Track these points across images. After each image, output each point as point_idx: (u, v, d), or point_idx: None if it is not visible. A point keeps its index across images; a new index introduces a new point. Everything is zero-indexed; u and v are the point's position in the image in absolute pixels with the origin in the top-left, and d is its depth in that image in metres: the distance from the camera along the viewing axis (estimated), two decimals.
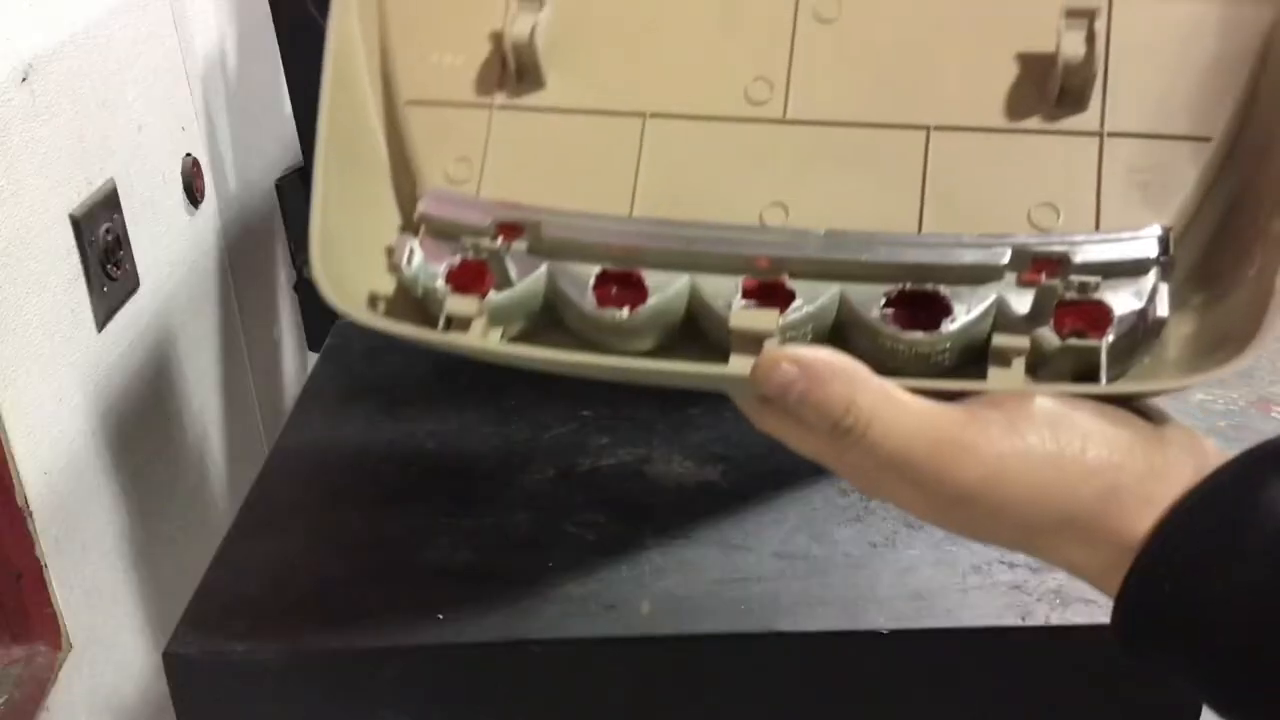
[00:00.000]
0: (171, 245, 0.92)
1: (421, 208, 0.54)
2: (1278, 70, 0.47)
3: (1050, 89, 0.50)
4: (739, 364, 0.45)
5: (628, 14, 0.55)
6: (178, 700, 0.65)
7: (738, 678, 0.65)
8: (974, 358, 0.47)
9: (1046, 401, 0.40)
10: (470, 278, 0.51)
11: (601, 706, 0.66)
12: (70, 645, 0.75)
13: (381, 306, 0.53)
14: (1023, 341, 0.45)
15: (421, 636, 0.64)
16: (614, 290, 0.51)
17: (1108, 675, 0.64)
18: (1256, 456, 0.38)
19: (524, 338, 0.53)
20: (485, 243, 0.51)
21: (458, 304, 0.50)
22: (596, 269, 0.50)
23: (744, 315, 0.46)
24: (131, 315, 0.85)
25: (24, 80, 0.71)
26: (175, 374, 0.93)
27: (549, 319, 0.53)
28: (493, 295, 0.51)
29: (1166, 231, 0.47)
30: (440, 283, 0.51)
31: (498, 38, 0.55)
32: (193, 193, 0.95)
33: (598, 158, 0.54)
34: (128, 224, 0.84)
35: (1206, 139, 0.48)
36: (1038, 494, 0.39)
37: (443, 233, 0.53)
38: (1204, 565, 0.37)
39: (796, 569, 0.67)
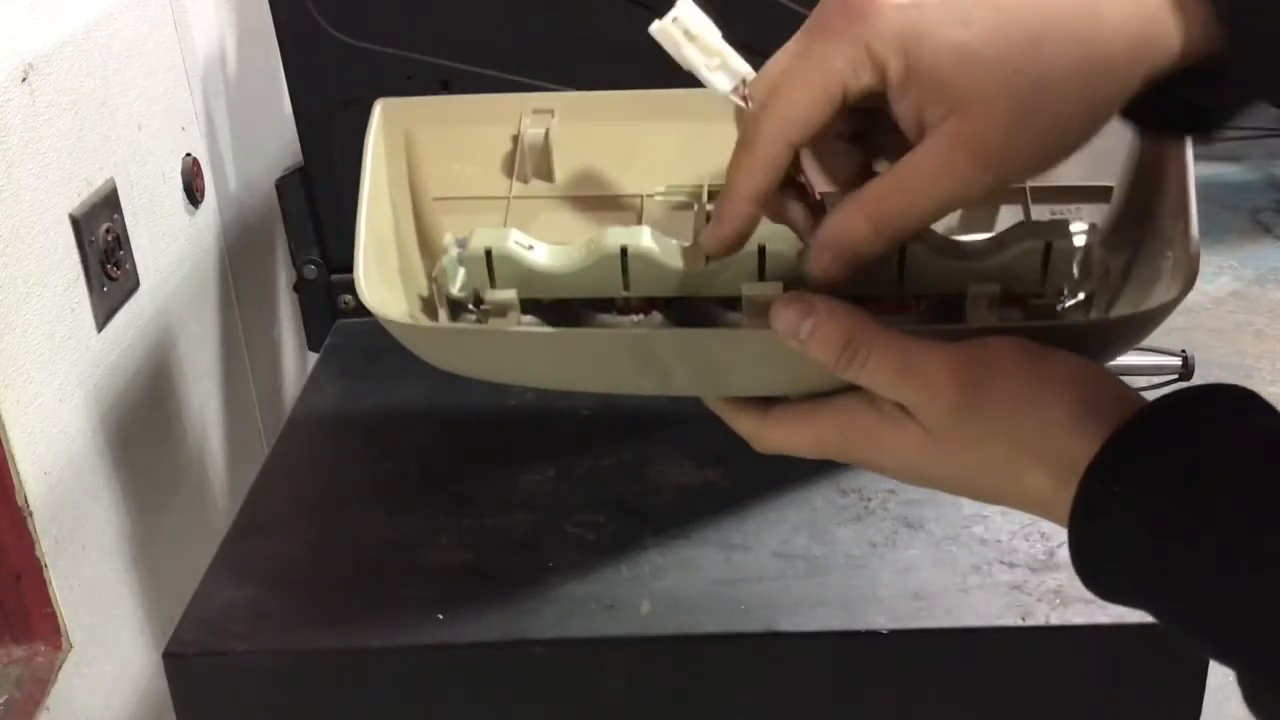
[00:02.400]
0: (171, 245, 0.92)
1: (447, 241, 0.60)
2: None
3: None
4: (752, 324, 0.51)
5: (619, 122, 0.65)
6: (178, 700, 0.65)
7: (738, 678, 0.65)
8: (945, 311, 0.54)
9: (1020, 338, 0.45)
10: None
11: (601, 706, 0.66)
12: (70, 645, 0.75)
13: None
14: (993, 288, 0.52)
15: (421, 636, 0.64)
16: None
17: (1108, 675, 0.64)
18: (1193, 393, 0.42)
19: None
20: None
21: (497, 294, 0.55)
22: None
23: (754, 287, 0.52)
24: (131, 315, 0.85)
25: (24, 80, 0.71)
26: (175, 374, 0.93)
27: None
28: (535, 258, 0.55)
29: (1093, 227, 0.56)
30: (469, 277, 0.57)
31: (514, 140, 0.65)
32: (193, 193, 0.95)
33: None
34: (128, 224, 0.84)
35: (1108, 186, 0.59)
36: (1020, 399, 0.43)
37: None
38: (1155, 471, 0.40)
39: (796, 569, 0.67)
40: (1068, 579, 0.65)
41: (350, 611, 0.66)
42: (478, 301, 0.57)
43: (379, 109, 0.65)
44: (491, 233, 0.55)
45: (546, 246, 0.56)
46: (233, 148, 1.05)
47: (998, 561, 0.67)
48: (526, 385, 0.57)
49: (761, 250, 0.53)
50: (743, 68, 0.51)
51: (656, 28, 0.51)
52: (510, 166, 0.65)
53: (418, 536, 0.71)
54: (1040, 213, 0.60)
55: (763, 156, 0.45)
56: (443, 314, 0.59)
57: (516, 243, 0.55)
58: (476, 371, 0.59)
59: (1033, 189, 0.60)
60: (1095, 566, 0.42)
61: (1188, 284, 0.50)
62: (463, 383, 0.87)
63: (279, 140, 1.11)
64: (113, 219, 0.81)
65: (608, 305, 0.57)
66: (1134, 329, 0.51)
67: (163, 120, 0.91)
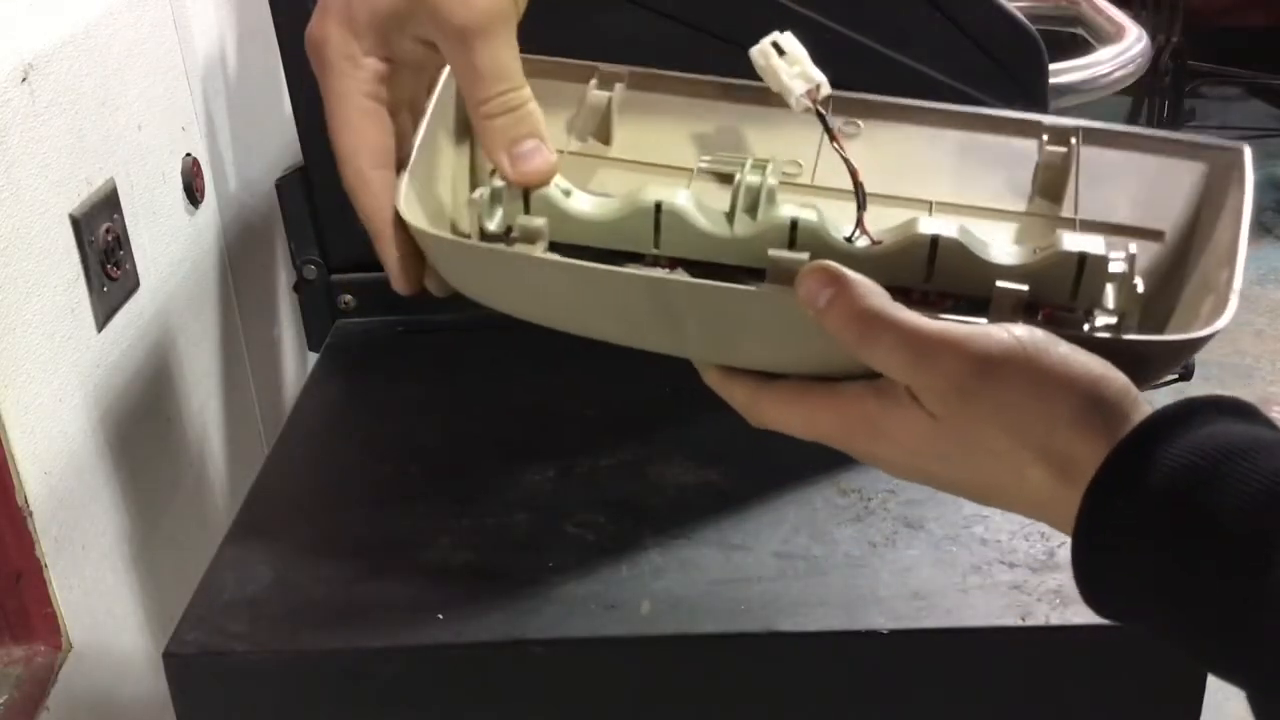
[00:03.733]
0: (171, 245, 0.92)
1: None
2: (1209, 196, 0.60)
3: (1031, 187, 0.61)
4: (772, 288, 0.52)
5: (683, 101, 0.66)
6: (178, 700, 0.65)
7: (738, 678, 0.65)
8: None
9: (1037, 330, 0.45)
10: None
11: (601, 706, 0.66)
12: (70, 645, 0.75)
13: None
14: (1022, 288, 0.51)
15: (421, 636, 0.64)
16: None
17: (1108, 675, 0.64)
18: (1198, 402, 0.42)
19: None
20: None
21: (528, 220, 0.56)
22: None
23: (780, 252, 0.53)
24: (131, 315, 0.85)
25: (24, 80, 0.71)
26: (175, 374, 0.93)
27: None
28: (571, 203, 0.56)
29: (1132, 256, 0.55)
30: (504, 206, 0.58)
31: (579, 102, 0.65)
32: (193, 193, 0.95)
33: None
34: (128, 224, 0.84)
35: (1161, 231, 0.60)
36: (1031, 390, 0.43)
37: None
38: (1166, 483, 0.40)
39: (796, 569, 0.67)
40: (1068, 579, 0.64)
41: (350, 611, 0.66)
42: (510, 235, 0.57)
43: None
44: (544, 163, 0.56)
45: (585, 195, 0.57)
46: (233, 148, 1.05)
47: (998, 561, 0.67)
48: (543, 323, 0.57)
49: (794, 224, 0.54)
50: (819, 76, 0.56)
51: (755, 50, 0.57)
52: (570, 125, 0.66)
53: (418, 536, 0.71)
54: None
55: None
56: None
57: (556, 185, 0.56)
58: (496, 300, 0.58)
59: (1083, 221, 0.60)
60: (1097, 585, 0.42)
61: (1221, 323, 0.50)
62: (463, 382, 0.88)
63: (279, 140, 1.11)
64: (113, 219, 0.81)
65: (637, 260, 0.58)
66: (1157, 357, 0.50)
67: (163, 120, 0.91)
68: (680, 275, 0.57)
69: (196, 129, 0.97)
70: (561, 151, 0.64)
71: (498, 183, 0.58)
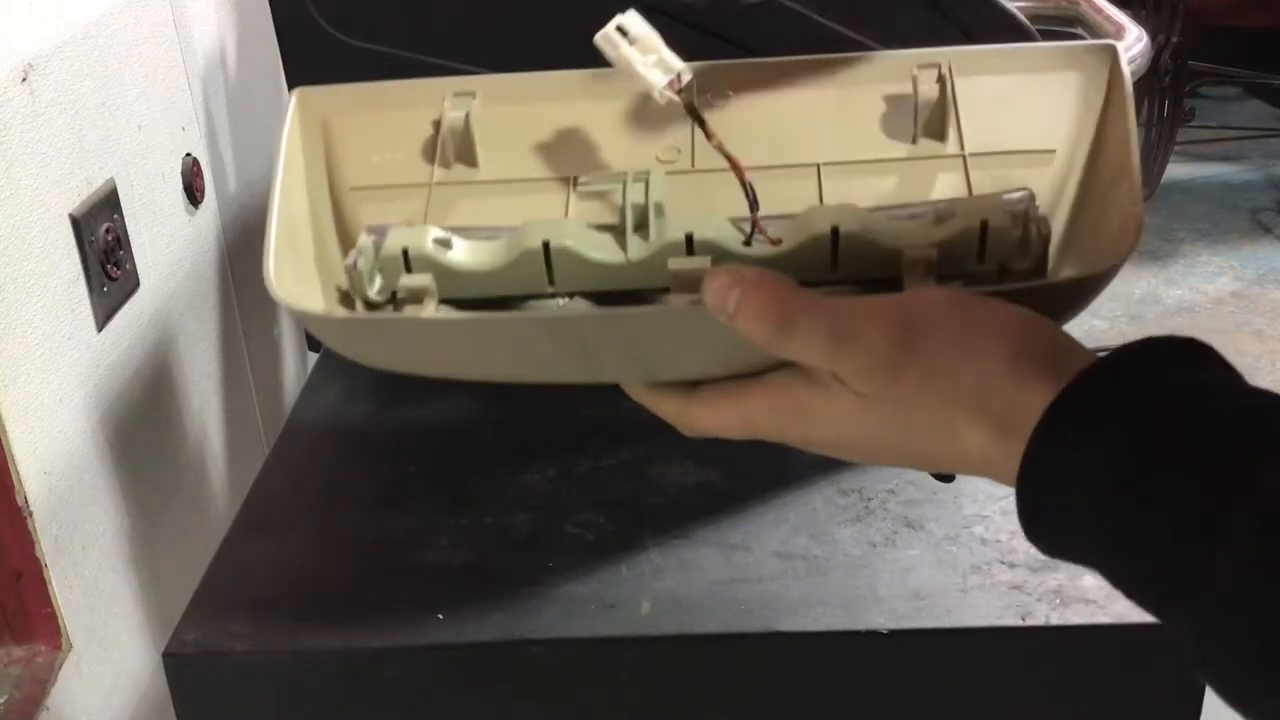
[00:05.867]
0: (171, 245, 0.92)
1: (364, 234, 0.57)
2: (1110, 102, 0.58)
3: (913, 129, 0.60)
4: (679, 300, 0.51)
5: (546, 104, 0.62)
6: (178, 700, 0.65)
7: (738, 678, 0.65)
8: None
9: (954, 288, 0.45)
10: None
11: (601, 706, 0.66)
12: (70, 645, 0.75)
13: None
14: (930, 251, 0.51)
15: (421, 636, 0.64)
16: None
17: (1108, 675, 0.64)
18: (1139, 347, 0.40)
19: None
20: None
21: (411, 280, 0.53)
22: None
23: (681, 261, 0.52)
24: (131, 315, 0.85)
25: (24, 80, 0.71)
26: (175, 374, 0.93)
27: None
28: (452, 256, 0.54)
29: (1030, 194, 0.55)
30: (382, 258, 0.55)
31: (435, 125, 0.61)
32: (193, 193, 0.95)
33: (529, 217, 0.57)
34: (128, 224, 0.84)
35: (1050, 150, 0.58)
36: (956, 349, 0.42)
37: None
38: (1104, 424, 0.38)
39: (796, 569, 0.67)
40: (1068, 579, 0.65)
41: (350, 611, 0.66)
42: (395, 299, 0.55)
43: (295, 98, 0.63)
44: (407, 232, 0.54)
45: (465, 243, 0.54)
46: (233, 148, 1.05)
47: (998, 561, 0.67)
48: (452, 378, 0.55)
49: (689, 239, 0.53)
50: (678, 64, 0.52)
51: (600, 36, 0.53)
52: (432, 152, 0.62)
53: (418, 536, 0.71)
54: (980, 179, 0.59)
55: None
56: (360, 308, 0.56)
57: (435, 240, 0.53)
58: (398, 365, 0.55)
59: (971, 156, 0.59)
60: (1043, 526, 0.40)
61: (1130, 246, 0.49)
62: (463, 383, 0.88)
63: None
64: (113, 219, 0.81)
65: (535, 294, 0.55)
66: (1077, 293, 0.50)
67: (163, 120, 0.91)
68: (580, 305, 0.55)
69: (196, 129, 0.97)
70: (426, 184, 0.61)
71: (369, 240, 0.55)
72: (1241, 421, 0.37)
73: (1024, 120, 0.59)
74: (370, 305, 0.56)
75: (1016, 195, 0.54)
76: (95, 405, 0.80)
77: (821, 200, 0.58)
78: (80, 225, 0.77)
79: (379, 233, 0.55)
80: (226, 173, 1.04)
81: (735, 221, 0.55)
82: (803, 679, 0.65)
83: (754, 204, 0.54)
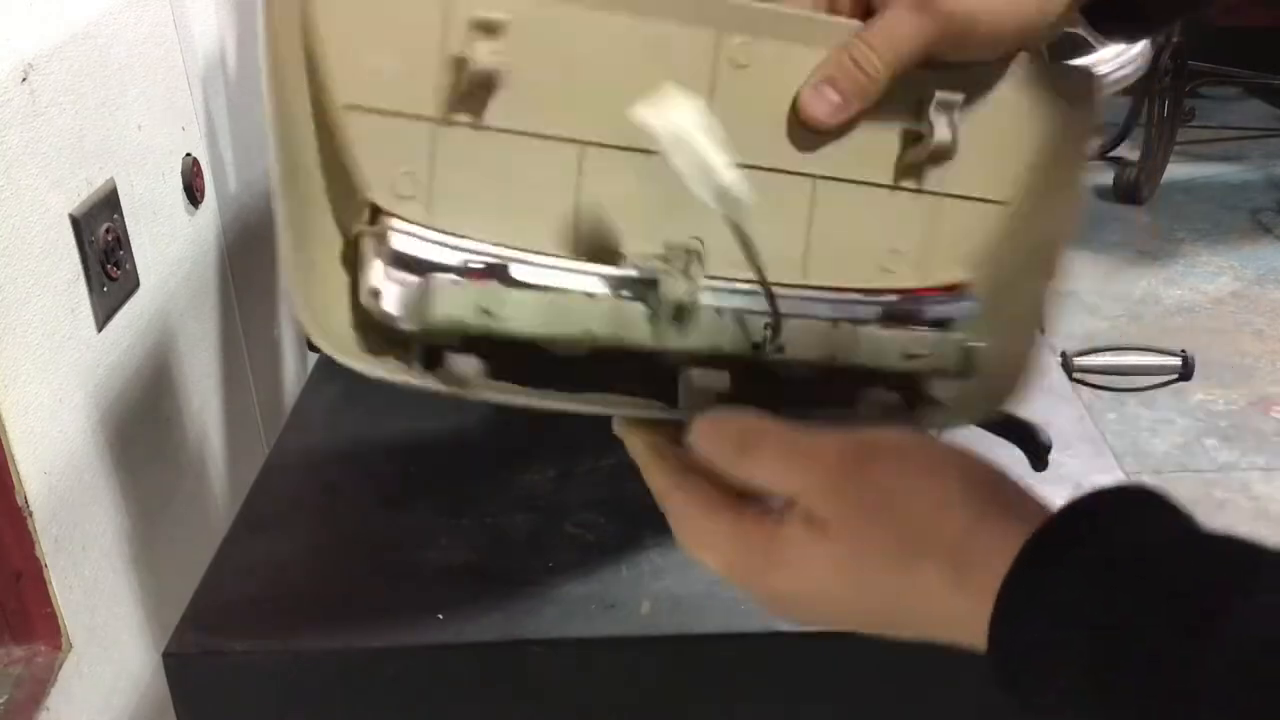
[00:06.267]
0: (171, 245, 0.92)
1: (394, 244, 0.53)
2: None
3: (917, 160, 0.58)
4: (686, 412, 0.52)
5: (568, 54, 0.56)
6: (178, 700, 0.65)
7: (738, 678, 0.65)
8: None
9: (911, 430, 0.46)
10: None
11: (601, 706, 0.66)
12: (70, 645, 0.75)
13: (364, 338, 0.55)
14: (893, 396, 0.55)
15: (421, 636, 0.64)
16: None
17: None
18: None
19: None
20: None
21: (462, 364, 0.53)
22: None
23: (701, 375, 0.53)
24: (131, 315, 0.85)
25: (24, 80, 0.71)
26: (175, 374, 0.93)
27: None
28: (492, 326, 0.52)
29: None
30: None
31: (451, 59, 0.52)
32: (193, 193, 0.95)
33: (539, 184, 0.55)
34: (128, 224, 0.84)
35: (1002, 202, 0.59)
36: (909, 475, 0.43)
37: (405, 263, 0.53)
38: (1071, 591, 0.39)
39: None
40: None
41: (350, 611, 0.66)
42: (430, 353, 0.54)
43: None
44: (453, 294, 0.51)
45: (524, 305, 0.52)
46: (233, 148, 1.05)
47: None
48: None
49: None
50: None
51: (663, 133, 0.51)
52: (439, 57, 0.52)
53: (418, 536, 0.71)
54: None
55: None
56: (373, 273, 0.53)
57: (484, 310, 0.51)
58: None
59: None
60: (1019, 678, 0.42)
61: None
62: None
63: None
64: (113, 219, 0.81)
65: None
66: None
67: (163, 120, 0.91)
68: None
69: (196, 129, 0.97)
70: (437, 121, 0.53)
71: (384, 279, 0.52)
72: (1210, 572, 0.37)
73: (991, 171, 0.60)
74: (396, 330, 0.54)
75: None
76: (95, 405, 0.80)
77: (812, 216, 0.59)
78: (80, 225, 0.77)
79: (390, 258, 0.52)
80: (226, 173, 1.04)
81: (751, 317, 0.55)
82: (803, 679, 0.65)
83: (775, 315, 0.54)
